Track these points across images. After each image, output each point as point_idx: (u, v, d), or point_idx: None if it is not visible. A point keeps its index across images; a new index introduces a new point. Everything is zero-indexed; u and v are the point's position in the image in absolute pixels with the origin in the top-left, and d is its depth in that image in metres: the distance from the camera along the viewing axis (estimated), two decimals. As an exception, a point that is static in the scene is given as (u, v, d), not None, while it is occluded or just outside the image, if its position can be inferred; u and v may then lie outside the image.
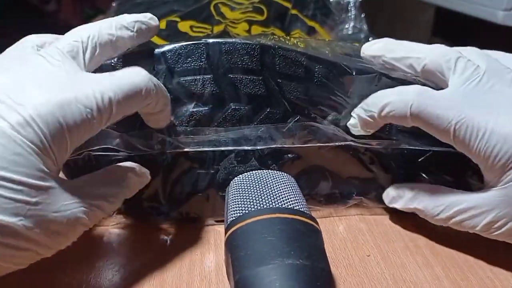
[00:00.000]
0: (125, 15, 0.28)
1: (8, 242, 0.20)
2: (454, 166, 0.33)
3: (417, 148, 0.32)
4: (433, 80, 0.30)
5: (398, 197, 0.32)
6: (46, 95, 0.21)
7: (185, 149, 0.31)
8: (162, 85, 0.27)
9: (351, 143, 0.32)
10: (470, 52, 0.30)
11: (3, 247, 0.20)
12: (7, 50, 0.26)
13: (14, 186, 0.20)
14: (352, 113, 0.32)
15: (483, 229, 0.28)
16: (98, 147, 0.30)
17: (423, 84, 0.30)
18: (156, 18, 0.29)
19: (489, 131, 0.26)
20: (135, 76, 0.25)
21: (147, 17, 0.28)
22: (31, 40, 0.26)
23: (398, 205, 0.32)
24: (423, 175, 0.34)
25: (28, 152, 0.20)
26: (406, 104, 0.27)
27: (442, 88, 0.29)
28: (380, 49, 0.32)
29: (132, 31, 0.27)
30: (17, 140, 0.20)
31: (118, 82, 0.24)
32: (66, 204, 0.22)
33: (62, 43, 0.25)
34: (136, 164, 0.28)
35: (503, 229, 0.27)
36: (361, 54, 0.33)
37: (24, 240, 0.20)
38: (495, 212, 0.27)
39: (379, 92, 0.30)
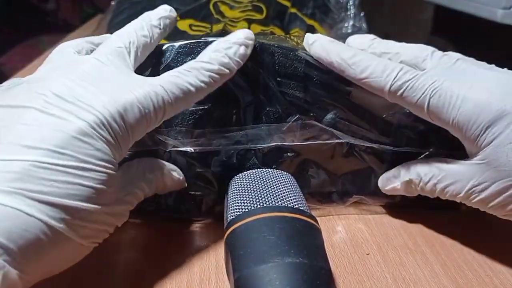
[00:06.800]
0: (149, 13, 0.30)
1: (91, 228, 0.23)
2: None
3: (416, 151, 0.32)
4: None
5: (394, 177, 0.32)
6: (110, 97, 0.24)
7: (185, 148, 0.31)
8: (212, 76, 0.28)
9: (350, 141, 0.32)
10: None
11: (88, 231, 0.23)
12: (48, 59, 0.27)
13: (97, 176, 0.22)
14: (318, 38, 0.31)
15: (465, 195, 0.28)
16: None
17: None
18: (173, 9, 0.31)
19: (461, 98, 0.26)
20: (183, 77, 0.26)
21: (168, 10, 0.30)
22: (69, 46, 0.28)
23: (395, 183, 0.32)
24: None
25: (104, 147, 0.23)
26: (387, 81, 0.28)
27: None
28: (363, 44, 0.33)
29: (160, 29, 0.29)
30: (95, 137, 0.23)
31: (168, 86, 0.25)
32: (121, 192, 0.25)
33: (107, 48, 0.26)
34: (168, 164, 0.30)
35: (482, 195, 0.27)
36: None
37: (102, 223, 0.24)
38: (476, 178, 0.27)
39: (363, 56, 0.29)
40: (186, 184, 0.31)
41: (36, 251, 0.21)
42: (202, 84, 0.27)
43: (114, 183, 0.24)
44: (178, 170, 0.31)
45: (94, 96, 0.23)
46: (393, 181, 0.33)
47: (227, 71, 0.28)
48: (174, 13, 0.31)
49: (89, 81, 0.24)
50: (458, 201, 0.29)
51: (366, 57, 0.29)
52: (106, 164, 0.23)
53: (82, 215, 0.22)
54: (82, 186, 0.22)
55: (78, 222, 0.22)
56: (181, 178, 0.31)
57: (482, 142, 0.27)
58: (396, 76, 0.28)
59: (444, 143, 0.33)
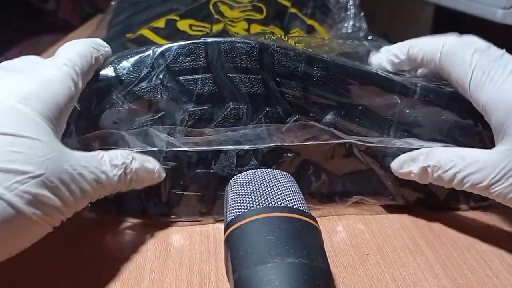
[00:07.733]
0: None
1: (37, 192, 0.22)
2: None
3: (416, 147, 0.32)
4: None
5: (411, 160, 0.32)
6: (33, 74, 0.26)
7: (185, 148, 0.31)
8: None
9: (350, 141, 0.32)
10: None
11: (34, 198, 0.22)
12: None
13: (35, 144, 0.23)
14: (382, 50, 0.36)
15: (487, 185, 0.28)
16: (99, 147, 0.30)
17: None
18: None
19: (504, 77, 0.28)
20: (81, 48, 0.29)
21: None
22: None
23: (412, 167, 0.31)
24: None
25: (38, 120, 0.24)
26: (438, 46, 0.32)
27: None
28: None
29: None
30: (26, 111, 0.23)
31: (76, 59, 0.28)
32: (74, 165, 0.24)
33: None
34: (141, 155, 0.29)
35: (504, 184, 0.27)
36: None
37: (50, 193, 0.23)
38: (502, 165, 0.27)
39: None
40: (163, 177, 0.31)
41: None
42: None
43: (49, 152, 0.23)
44: (153, 160, 0.30)
45: (16, 76, 0.25)
46: (410, 164, 0.32)
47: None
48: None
49: (18, 68, 0.26)
50: (476, 192, 0.29)
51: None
52: (40, 133, 0.23)
53: (17, 179, 0.22)
54: (10, 152, 0.22)
55: (15, 186, 0.22)
56: (155, 168, 0.30)
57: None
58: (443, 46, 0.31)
59: (448, 137, 0.32)
